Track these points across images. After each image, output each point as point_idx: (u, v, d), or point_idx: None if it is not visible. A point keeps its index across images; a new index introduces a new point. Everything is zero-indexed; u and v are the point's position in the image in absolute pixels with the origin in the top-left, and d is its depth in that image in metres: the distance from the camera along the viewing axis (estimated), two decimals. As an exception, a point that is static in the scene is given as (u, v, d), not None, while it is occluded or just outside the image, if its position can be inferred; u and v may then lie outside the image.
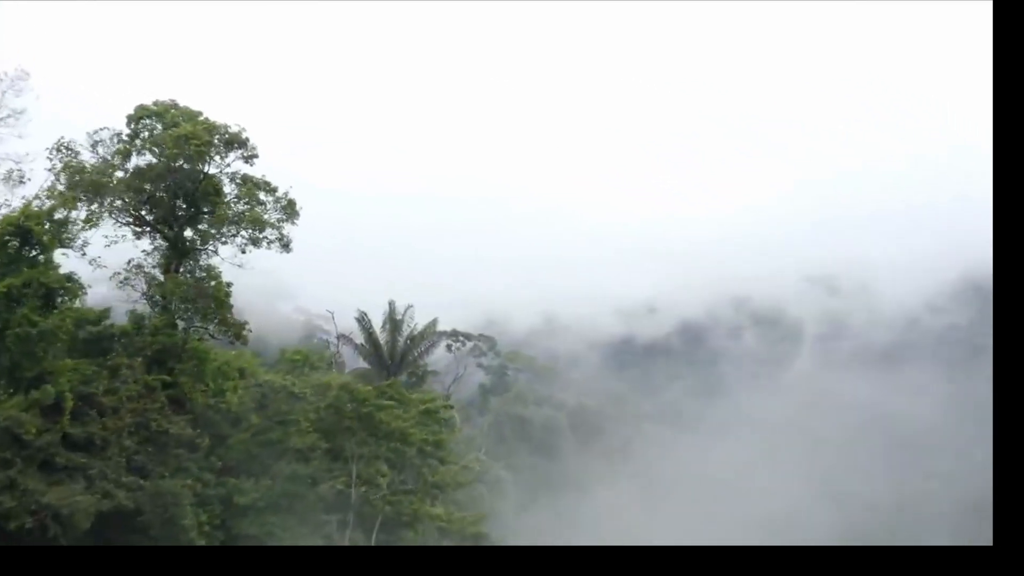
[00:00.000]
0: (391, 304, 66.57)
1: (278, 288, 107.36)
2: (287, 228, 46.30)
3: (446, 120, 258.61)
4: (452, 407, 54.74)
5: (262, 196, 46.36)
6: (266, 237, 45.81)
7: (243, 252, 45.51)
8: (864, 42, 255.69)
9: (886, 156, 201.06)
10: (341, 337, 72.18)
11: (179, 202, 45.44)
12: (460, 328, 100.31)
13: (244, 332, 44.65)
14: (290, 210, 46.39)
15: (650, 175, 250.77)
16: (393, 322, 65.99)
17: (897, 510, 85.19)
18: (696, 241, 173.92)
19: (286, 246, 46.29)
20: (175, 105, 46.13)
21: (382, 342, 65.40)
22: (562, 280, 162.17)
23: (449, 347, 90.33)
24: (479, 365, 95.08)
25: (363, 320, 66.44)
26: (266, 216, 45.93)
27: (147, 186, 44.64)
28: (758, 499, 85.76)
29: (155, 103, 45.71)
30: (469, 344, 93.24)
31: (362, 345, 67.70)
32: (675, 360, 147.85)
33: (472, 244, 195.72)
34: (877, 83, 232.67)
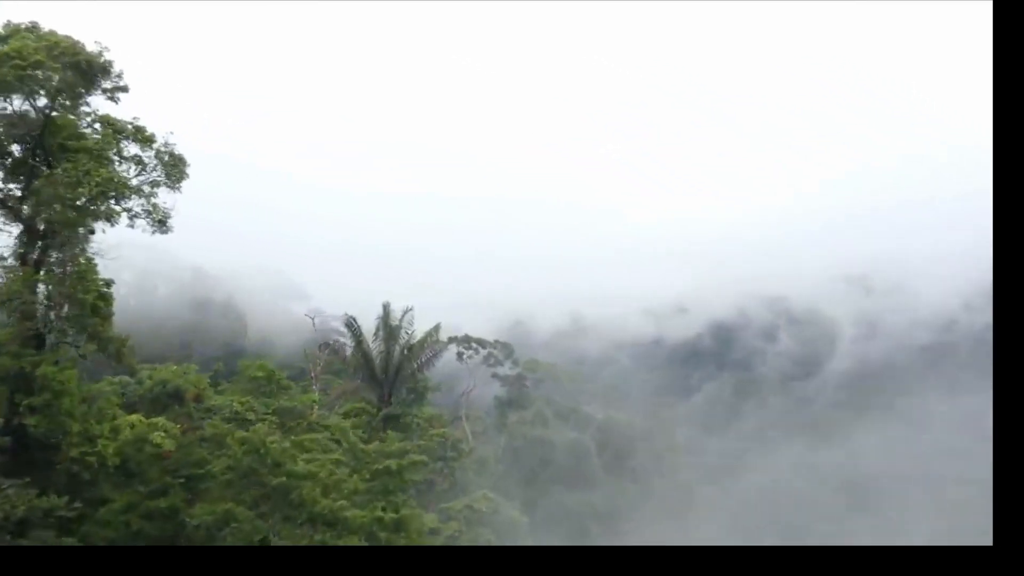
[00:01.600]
0: (385, 307, 56.26)
1: (290, 288, 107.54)
2: (170, 197, 33.46)
3: (471, 118, 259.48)
4: (426, 462, 43.38)
5: (133, 149, 33.18)
6: (129, 209, 32.65)
7: (91, 232, 32.63)
8: (893, 39, 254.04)
9: (921, 150, 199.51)
10: (324, 346, 62.99)
11: (38, 161, 32.49)
12: (485, 330, 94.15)
13: (125, 349, 33.08)
14: (174, 171, 33.40)
15: (679, 172, 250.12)
16: (388, 328, 55.63)
17: (935, 517, 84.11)
18: (727, 238, 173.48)
19: (162, 223, 33.24)
20: (34, 27, 32.39)
21: (376, 352, 55.45)
22: (589, 280, 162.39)
23: (460, 355, 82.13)
24: (494, 376, 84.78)
25: (352, 326, 55.97)
26: (136, 179, 32.85)
27: None
28: (804, 523, 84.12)
29: (4, 26, 32.43)
30: (483, 351, 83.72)
31: (351, 356, 57.69)
32: (707, 361, 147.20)
33: (497, 244, 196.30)
34: (910, 78, 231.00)
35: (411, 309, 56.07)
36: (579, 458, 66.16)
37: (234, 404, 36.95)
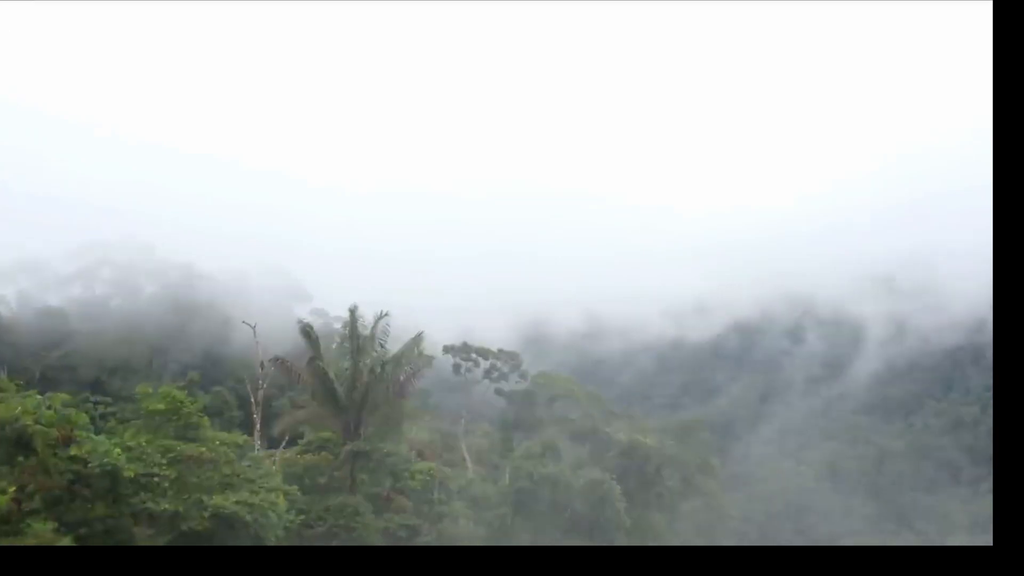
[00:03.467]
0: (352, 312, 44.73)
1: (292, 289, 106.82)
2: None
3: (483, 117, 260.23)
4: None
5: None
6: None
7: None
8: (917, 34, 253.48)
9: (947, 144, 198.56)
10: (273, 361, 48.35)
11: None
12: (502, 332, 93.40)
13: None
14: None
15: (699, 167, 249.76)
16: (355, 339, 43.99)
17: (969, 527, 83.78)
18: (748, 236, 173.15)
19: None
20: None
21: (343, 368, 44.05)
22: (607, 280, 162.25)
23: (457, 368, 72.05)
24: (498, 392, 73.16)
25: (310, 336, 44.13)
26: None
27: None
28: (833, 533, 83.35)
29: None
30: (485, 363, 71.95)
31: (307, 375, 44.44)
32: (729, 363, 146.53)
33: (512, 244, 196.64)
34: (937, 71, 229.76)
35: (386, 315, 44.94)
36: (600, 501, 55.23)
37: (114, 450, 26.74)
